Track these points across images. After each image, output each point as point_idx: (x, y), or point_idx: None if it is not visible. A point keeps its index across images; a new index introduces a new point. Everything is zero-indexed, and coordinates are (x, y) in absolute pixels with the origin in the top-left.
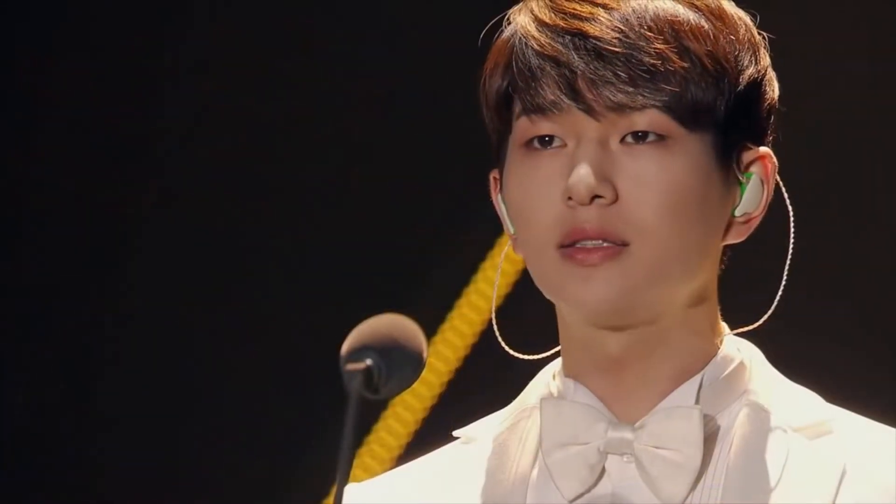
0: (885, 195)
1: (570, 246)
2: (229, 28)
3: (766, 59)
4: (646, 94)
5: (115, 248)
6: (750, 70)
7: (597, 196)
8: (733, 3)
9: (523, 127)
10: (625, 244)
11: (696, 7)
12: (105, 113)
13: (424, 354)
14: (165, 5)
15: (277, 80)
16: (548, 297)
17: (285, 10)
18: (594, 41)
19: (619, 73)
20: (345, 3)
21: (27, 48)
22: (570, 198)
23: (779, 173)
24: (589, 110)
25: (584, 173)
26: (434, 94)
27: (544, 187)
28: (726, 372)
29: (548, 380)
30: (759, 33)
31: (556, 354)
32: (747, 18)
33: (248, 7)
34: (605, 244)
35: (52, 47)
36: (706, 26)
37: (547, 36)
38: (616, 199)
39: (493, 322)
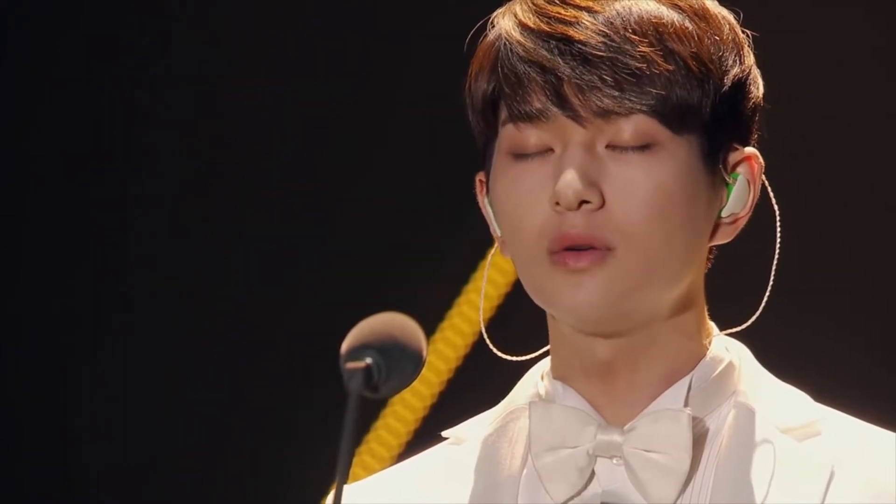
0: (877, 193)
1: (559, 252)
2: (226, 25)
3: (750, 58)
4: (632, 98)
5: (114, 245)
6: (735, 70)
7: (584, 201)
8: (716, 2)
9: (510, 134)
10: (610, 249)
11: (680, 8)
12: (90, 119)
13: (424, 353)
14: (149, 16)
15: (276, 82)
16: (538, 303)
17: (285, 12)
18: (579, 46)
19: (605, 77)
20: (344, 4)
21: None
22: (557, 203)
23: (765, 173)
24: (575, 117)
25: (570, 179)
26: (435, 92)
27: (532, 193)
28: (715, 373)
29: (536, 380)
30: (743, 31)
31: (545, 354)
32: (731, 17)
33: (246, 8)
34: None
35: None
36: (690, 27)
37: (531, 41)
38: (603, 204)
39: (482, 327)
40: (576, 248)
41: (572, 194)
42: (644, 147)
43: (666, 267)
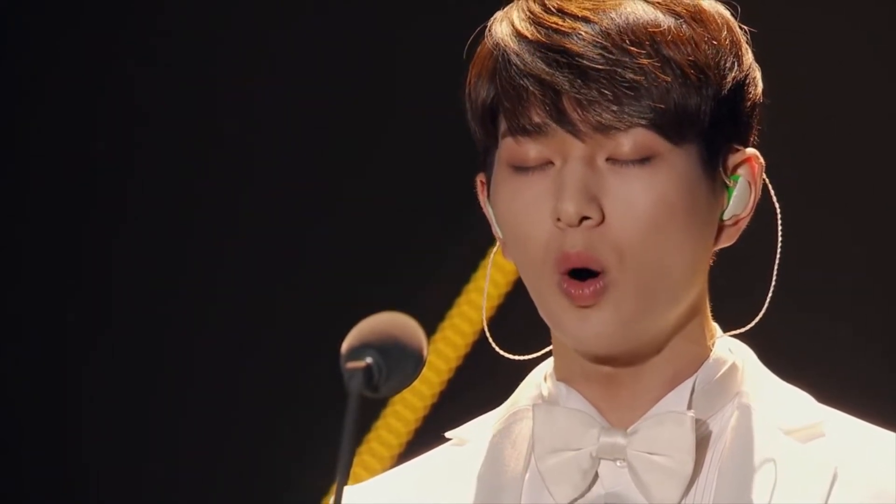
0: (878, 192)
1: (563, 273)
2: (226, 25)
3: (748, 57)
4: (630, 112)
5: (114, 245)
6: (733, 73)
7: (584, 217)
8: (712, 1)
9: (510, 147)
10: (606, 272)
11: (676, 12)
12: (90, 119)
13: (425, 352)
14: (149, 16)
15: (276, 82)
16: (543, 318)
17: (285, 12)
18: (577, 59)
19: (604, 91)
20: (343, 4)
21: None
22: (558, 219)
23: (765, 172)
24: (575, 131)
25: (571, 195)
26: (435, 92)
27: (533, 206)
28: (718, 375)
29: (539, 381)
30: (741, 27)
31: (548, 354)
32: (729, 16)
33: (246, 8)
34: (592, 273)
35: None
36: (687, 32)
37: (529, 53)
38: (603, 219)
39: (485, 325)
40: (577, 271)
41: (573, 211)
42: (644, 160)
43: (670, 282)
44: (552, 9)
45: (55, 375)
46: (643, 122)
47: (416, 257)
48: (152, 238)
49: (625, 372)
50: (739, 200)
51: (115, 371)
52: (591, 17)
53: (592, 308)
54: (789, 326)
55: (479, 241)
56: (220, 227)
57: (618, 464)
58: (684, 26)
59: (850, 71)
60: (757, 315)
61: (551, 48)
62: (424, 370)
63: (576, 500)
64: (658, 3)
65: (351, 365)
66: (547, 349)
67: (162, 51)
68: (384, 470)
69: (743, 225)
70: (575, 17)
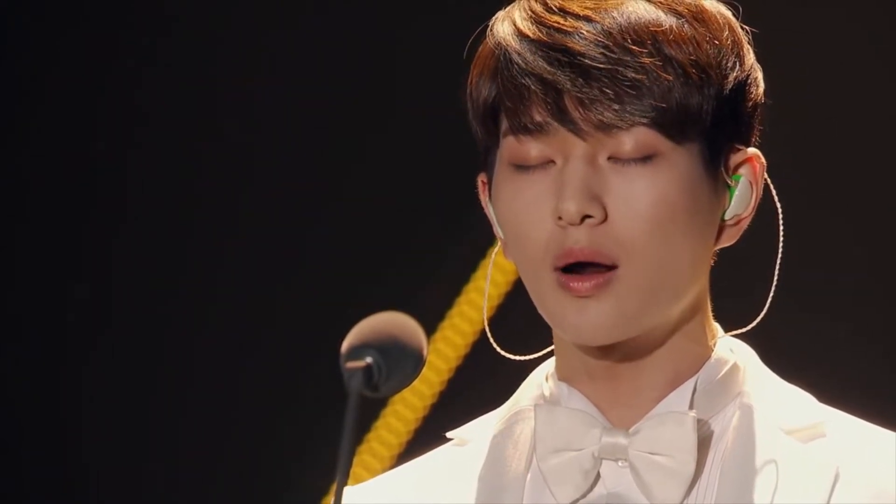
0: (880, 192)
1: (564, 269)
2: (226, 25)
3: (750, 57)
4: (632, 111)
5: (113, 245)
6: (735, 73)
7: (586, 216)
8: (714, 1)
9: (511, 146)
10: (615, 266)
11: (678, 12)
12: (90, 119)
13: (424, 352)
14: (149, 16)
15: (276, 82)
16: (541, 314)
17: (285, 12)
18: (579, 58)
19: (606, 90)
20: (343, 4)
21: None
22: (560, 217)
23: (767, 172)
24: (577, 130)
25: (572, 194)
26: (435, 92)
27: (534, 205)
28: (720, 375)
29: (541, 381)
30: (742, 27)
31: (549, 354)
32: (730, 16)
33: (246, 8)
34: (595, 269)
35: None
36: (688, 32)
37: (531, 52)
38: (605, 217)
39: (486, 325)
40: (580, 266)
41: (575, 210)
42: (646, 159)
43: (671, 281)
44: (554, 8)
45: (55, 375)
46: (645, 120)
47: (416, 257)
48: (152, 238)
49: (625, 367)
50: (741, 200)
51: (115, 371)
52: (593, 16)
53: (592, 299)
54: (790, 326)
55: (479, 241)
56: (220, 227)
57: (619, 464)
58: (686, 26)
59: (852, 72)
60: (758, 315)
61: (553, 47)
62: (424, 370)
63: (578, 500)
64: (660, 2)
65: (351, 364)
66: (548, 349)
67: (162, 51)
68: (384, 470)
69: (744, 225)
70: (577, 17)
